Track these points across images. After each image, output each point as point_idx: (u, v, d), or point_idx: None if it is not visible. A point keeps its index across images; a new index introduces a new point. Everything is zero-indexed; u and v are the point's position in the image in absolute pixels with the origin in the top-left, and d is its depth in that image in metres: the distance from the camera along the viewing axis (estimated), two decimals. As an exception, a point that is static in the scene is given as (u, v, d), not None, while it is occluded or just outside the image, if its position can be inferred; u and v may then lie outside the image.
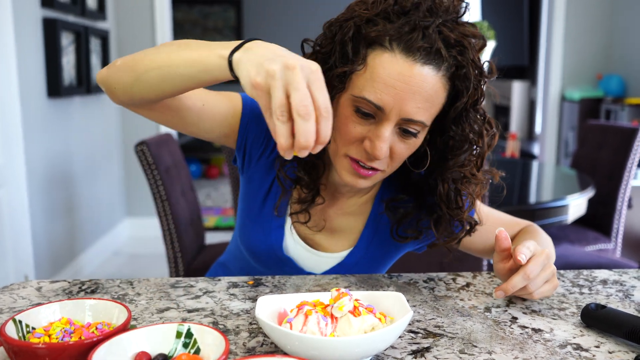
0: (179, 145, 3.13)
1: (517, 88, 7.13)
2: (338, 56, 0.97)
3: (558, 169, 3.71)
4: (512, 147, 4.85)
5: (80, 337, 0.71)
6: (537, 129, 6.75)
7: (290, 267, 1.16)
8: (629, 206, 3.29)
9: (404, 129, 0.96)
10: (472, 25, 0.96)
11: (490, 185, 1.10)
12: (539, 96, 5.69)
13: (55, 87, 3.31)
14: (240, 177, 1.19)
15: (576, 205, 2.61)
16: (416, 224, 1.10)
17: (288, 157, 0.74)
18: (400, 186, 1.13)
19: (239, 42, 0.81)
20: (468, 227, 1.08)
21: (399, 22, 0.93)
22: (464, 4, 0.97)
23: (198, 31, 8.21)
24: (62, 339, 0.71)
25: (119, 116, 4.41)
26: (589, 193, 2.70)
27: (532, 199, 2.83)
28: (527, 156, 6.40)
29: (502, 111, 7.59)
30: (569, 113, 5.17)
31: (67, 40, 3.46)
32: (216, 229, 4.98)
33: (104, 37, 4.01)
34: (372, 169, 0.99)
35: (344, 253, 1.16)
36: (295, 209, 1.12)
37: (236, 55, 0.79)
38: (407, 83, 0.92)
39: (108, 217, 4.26)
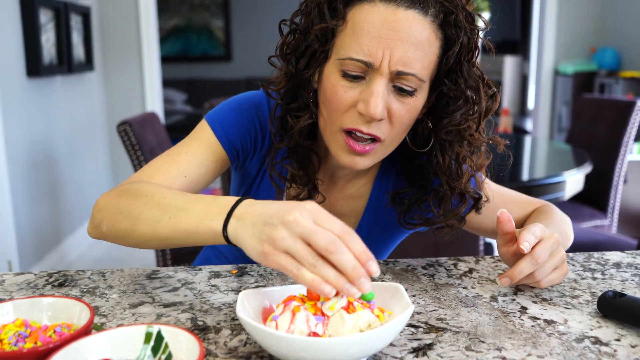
0: (164, 125, 3.03)
1: (509, 63, 7.03)
2: (317, 21, 0.89)
3: (553, 144, 3.63)
4: (504, 123, 4.77)
5: (35, 343, 0.63)
6: (530, 104, 6.67)
7: None
8: (624, 181, 3.22)
9: (398, 87, 0.87)
10: None
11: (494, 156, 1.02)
12: (532, 71, 5.59)
13: (34, 66, 3.18)
14: (233, 172, 1.12)
15: (573, 181, 2.54)
16: (421, 211, 1.02)
17: (356, 296, 0.65)
18: (401, 168, 1.05)
19: (226, 206, 0.75)
20: (472, 202, 1.00)
21: None
22: None
23: (184, 9, 8.04)
24: (15, 344, 0.63)
25: (103, 95, 4.29)
26: (586, 169, 2.63)
27: (528, 175, 2.75)
28: (519, 132, 6.33)
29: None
30: (562, 87, 5.09)
31: (45, 17, 3.33)
32: (205, 210, 4.88)
33: (85, 13, 3.87)
34: (372, 139, 0.90)
35: None
36: None
37: (230, 229, 0.73)
38: (392, 29, 0.84)
39: (94, 200, 4.14)
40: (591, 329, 0.75)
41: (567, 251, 1.04)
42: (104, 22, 4.24)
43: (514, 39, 7.20)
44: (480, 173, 1.00)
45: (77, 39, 3.78)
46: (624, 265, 0.99)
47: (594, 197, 3.14)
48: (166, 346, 0.61)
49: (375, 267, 0.66)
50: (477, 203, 1.00)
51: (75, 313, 0.67)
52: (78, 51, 3.81)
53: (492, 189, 1.08)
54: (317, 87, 0.94)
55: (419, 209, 1.02)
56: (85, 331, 0.62)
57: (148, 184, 0.90)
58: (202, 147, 1.00)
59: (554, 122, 5.26)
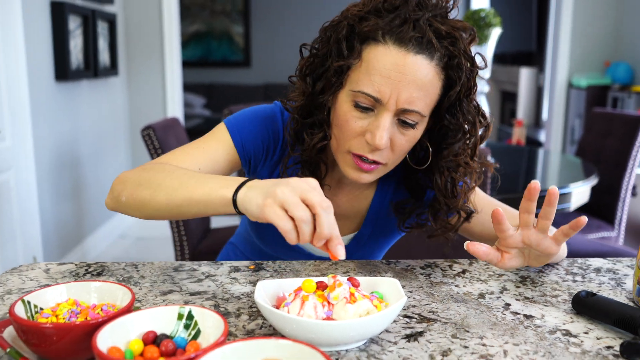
0: (185, 129, 3.15)
1: (525, 74, 7.10)
2: (334, 55, 1.01)
3: (563, 157, 3.71)
4: (517, 134, 4.85)
5: (86, 318, 0.75)
6: (544, 115, 6.73)
7: (299, 253, 1.20)
8: (633, 194, 3.30)
9: (402, 121, 0.99)
10: (461, 20, 1.00)
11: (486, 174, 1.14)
12: (546, 83, 5.67)
13: (62, 71, 3.33)
14: (246, 175, 1.23)
15: (579, 193, 2.62)
16: (417, 218, 1.15)
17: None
18: (401, 175, 1.16)
19: (240, 180, 0.88)
20: (465, 216, 1.11)
21: (390, 16, 0.97)
22: (452, 1, 1.00)
23: (205, 15, 8.21)
24: (68, 319, 0.74)
25: (126, 100, 4.44)
26: (593, 181, 2.71)
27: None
28: (533, 143, 6.40)
29: (509, 97, 7.56)
30: (575, 100, 5.16)
31: (74, 24, 3.48)
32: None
33: (111, 20, 4.03)
34: (375, 162, 1.02)
35: (351, 235, 1.21)
36: None
37: (240, 194, 0.85)
38: (401, 72, 0.95)
39: (115, 200, 4.28)
40: (564, 324, 0.85)
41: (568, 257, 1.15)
42: (128, 29, 4.39)
43: (529, 50, 7.27)
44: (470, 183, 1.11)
45: (103, 44, 3.93)
46: (604, 270, 1.09)
47: (602, 209, 3.22)
48: (196, 323, 0.72)
49: (342, 252, 0.80)
50: (468, 217, 1.11)
51: (119, 296, 0.79)
52: (104, 56, 3.95)
53: (483, 198, 1.18)
54: (331, 107, 1.05)
55: (416, 217, 1.15)
56: (128, 310, 0.74)
57: (170, 165, 1.02)
58: (218, 147, 1.11)
59: (567, 135, 5.33)
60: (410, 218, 1.15)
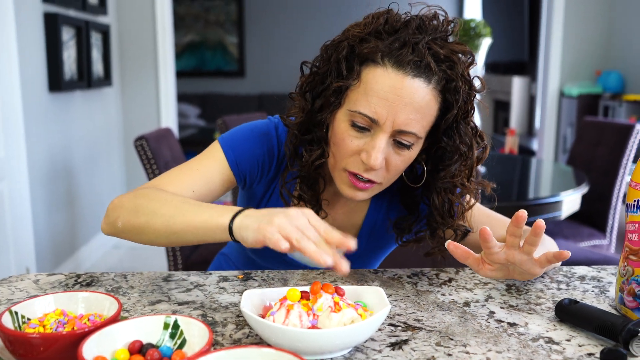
0: (178, 139, 3.17)
1: (517, 83, 7.15)
2: (334, 74, 1.03)
3: (555, 166, 3.74)
4: (510, 143, 4.86)
5: (73, 328, 0.75)
6: (537, 124, 6.77)
7: (292, 265, 1.21)
8: (624, 202, 3.31)
9: (398, 141, 1.01)
10: (460, 44, 1.01)
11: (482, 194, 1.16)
12: (538, 92, 5.71)
13: (56, 82, 3.34)
14: (240, 191, 1.24)
15: (570, 201, 2.64)
16: (415, 234, 1.18)
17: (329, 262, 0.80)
18: (399, 193, 1.19)
19: (236, 209, 0.90)
20: (460, 235, 1.13)
21: (390, 39, 0.98)
22: (452, 24, 1.02)
23: (199, 25, 8.24)
24: (55, 329, 0.75)
25: (120, 110, 4.45)
26: (583, 189, 2.73)
27: (529, 195, 2.87)
28: (526, 152, 6.43)
29: (502, 106, 7.60)
30: (567, 109, 5.19)
31: (68, 35, 3.49)
32: (216, 222, 5.00)
33: (104, 31, 4.04)
34: (369, 181, 1.04)
35: None
36: None
37: (236, 222, 0.88)
38: (399, 95, 0.97)
39: (109, 210, 4.28)
40: (547, 331, 0.87)
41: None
42: (122, 39, 4.41)
43: (522, 60, 7.32)
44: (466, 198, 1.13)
45: (96, 55, 3.95)
46: (588, 278, 1.10)
47: (593, 217, 3.24)
48: (181, 332, 0.73)
49: (353, 243, 0.82)
50: (464, 237, 1.13)
51: (106, 306, 0.79)
52: (97, 67, 3.97)
53: (479, 212, 1.20)
54: (329, 125, 1.06)
55: (414, 234, 1.17)
56: (115, 320, 0.74)
57: (163, 191, 1.03)
58: (213, 166, 1.12)
59: (559, 143, 5.36)
60: (409, 234, 1.18)
